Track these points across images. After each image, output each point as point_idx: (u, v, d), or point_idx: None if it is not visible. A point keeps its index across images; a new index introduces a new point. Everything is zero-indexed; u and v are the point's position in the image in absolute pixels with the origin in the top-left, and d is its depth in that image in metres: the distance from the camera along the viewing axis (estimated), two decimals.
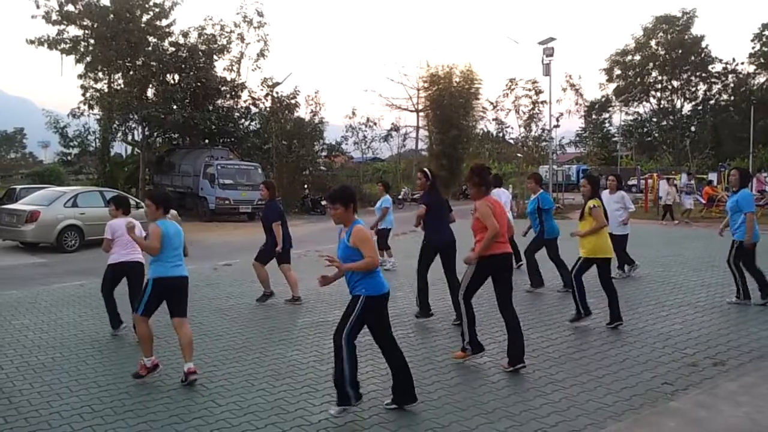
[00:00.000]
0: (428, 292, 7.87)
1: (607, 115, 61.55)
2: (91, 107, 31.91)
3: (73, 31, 31.46)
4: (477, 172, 6.10)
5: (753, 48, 52.08)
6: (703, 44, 54.33)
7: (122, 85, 31.31)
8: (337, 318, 7.69)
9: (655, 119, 58.01)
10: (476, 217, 5.95)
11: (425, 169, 8.24)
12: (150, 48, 30.82)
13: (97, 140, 32.26)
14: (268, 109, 33.77)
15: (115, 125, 31.30)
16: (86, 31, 31.22)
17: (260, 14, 33.67)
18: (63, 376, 5.80)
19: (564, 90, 46.59)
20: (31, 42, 30.69)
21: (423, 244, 7.76)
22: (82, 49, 31.43)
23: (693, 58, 53.75)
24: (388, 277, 10.97)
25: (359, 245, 4.80)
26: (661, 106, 56.98)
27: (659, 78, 56.00)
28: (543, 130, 41.47)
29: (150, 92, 30.98)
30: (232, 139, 32.78)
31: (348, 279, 4.90)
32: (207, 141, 32.06)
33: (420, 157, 46.74)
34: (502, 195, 11.12)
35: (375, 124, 41.76)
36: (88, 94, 32.10)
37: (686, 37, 53.59)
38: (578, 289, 7.36)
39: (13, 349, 6.73)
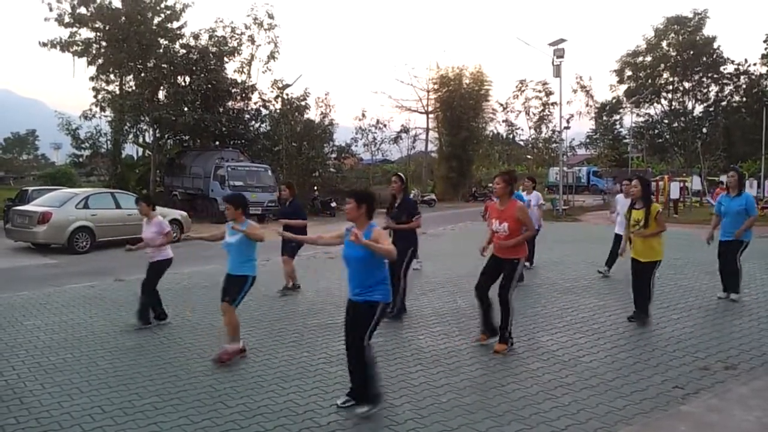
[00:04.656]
0: None
1: (617, 117, 61.36)
2: (102, 109, 32.04)
3: (85, 33, 31.71)
4: (510, 175, 6.71)
5: (765, 49, 51.62)
6: (715, 45, 53.96)
7: (133, 87, 31.50)
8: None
9: (666, 121, 57.64)
10: (517, 217, 6.32)
11: (401, 174, 8.41)
12: (161, 50, 30.96)
13: (109, 142, 32.39)
14: (278, 111, 33.92)
15: (126, 127, 31.42)
16: (98, 34, 31.44)
17: (271, 16, 33.88)
18: (74, 377, 5.84)
19: (575, 91, 46.52)
20: (44, 44, 30.97)
21: (412, 247, 8.00)
22: (93, 52, 31.61)
23: (704, 59, 53.37)
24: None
25: (380, 240, 4.87)
26: (673, 107, 56.61)
27: (670, 79, 55.64)
28: (553, 131, 41.49)
29: (161, 94, 31.14)
30: (243, 141, 32.88)
31: (361, 282, 4.92)
32: (217, 143, 32.18)
33: (430, 159, 46.78)
34: (533, 198, 11.58)
35: (385, 125, 41.90)
36: (99, 96, 32.24)
37: (698, 38, 53.24)
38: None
39: (24, 349, 6.77)
